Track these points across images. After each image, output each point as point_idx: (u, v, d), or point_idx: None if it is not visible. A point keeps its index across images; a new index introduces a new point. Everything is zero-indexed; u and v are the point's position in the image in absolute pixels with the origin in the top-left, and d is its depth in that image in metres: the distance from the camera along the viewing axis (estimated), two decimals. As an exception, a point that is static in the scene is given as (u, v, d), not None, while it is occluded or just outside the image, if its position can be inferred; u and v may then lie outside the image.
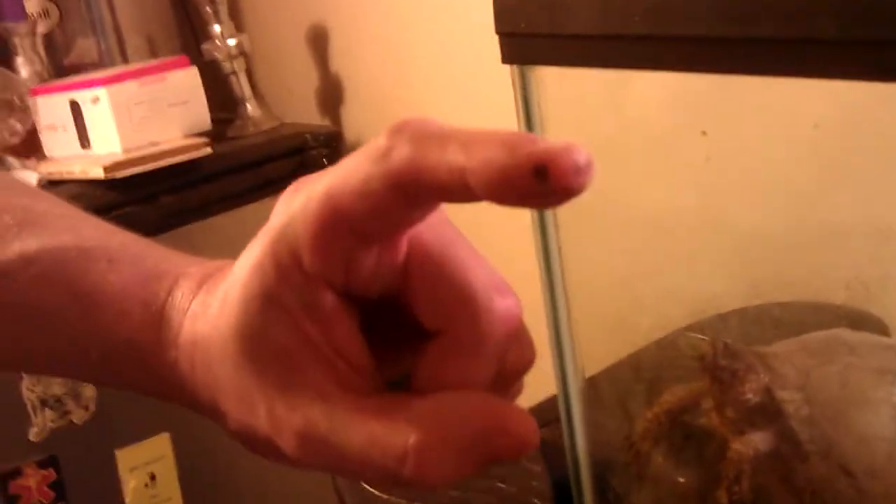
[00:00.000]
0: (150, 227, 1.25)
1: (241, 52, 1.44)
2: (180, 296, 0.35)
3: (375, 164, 0.28)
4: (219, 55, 1.43)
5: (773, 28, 0.49)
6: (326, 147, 1.38)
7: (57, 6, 1.47)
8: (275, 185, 1.34)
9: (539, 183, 0.26)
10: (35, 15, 1.43)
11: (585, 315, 0.69)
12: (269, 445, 0.32)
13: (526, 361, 0.33)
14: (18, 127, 1.34)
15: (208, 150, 1.29)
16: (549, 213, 0.67)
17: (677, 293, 0.74)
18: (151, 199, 1.28)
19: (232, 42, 1.43)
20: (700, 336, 0.72)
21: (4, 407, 1.18)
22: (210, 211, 1.29)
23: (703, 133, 0.63)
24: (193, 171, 1.29)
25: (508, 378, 0.33)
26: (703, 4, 0.52)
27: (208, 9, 1.42)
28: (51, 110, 1.34)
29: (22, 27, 1.38)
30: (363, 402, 0.31)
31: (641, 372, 0.73)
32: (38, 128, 1.37)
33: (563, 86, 0.64)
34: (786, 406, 0.62)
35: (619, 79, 0.63)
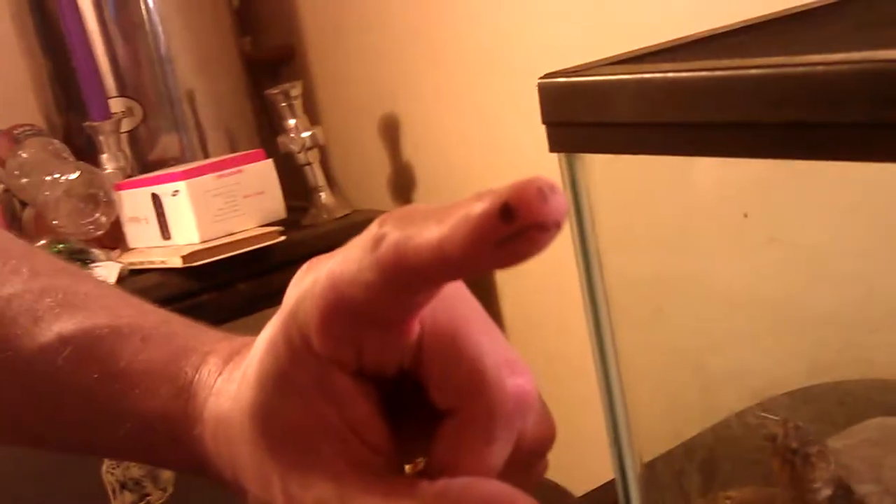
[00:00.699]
0: (227, 314, 1.29)
1: (315, 143, 1.48)
2: (207, 372, 0.36)
3: (367, 252, 0.28)
4: (294, 147, 1.48)
5: (807, 111, 0.50)
6: (397, 233, 1.41)
7: (141, 105, 1.54)
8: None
9: (509, 223, 0.25)
10: (120, 113, 1.49)
11: (642, 397, 0.69)
12: None
13: (546, 440, 0.33)
14: (103, 220, 1.40)
15: (281, 238, 1.33)
16: (601, 296, 0.68)
17: (736, 373, 0.74)
18: (228, 286, 1.32)
19: (306, 135, 1.48)
20: (767, 415, 0.72)
21: (85, 489, 1.21)
22: (280, 299, 1.32)
23: (745, 215, 0.64)
24: (267, 258, 1.33)
25: (530, 457, 0.33)
26: (737, 90, 0.54)
27: (284, 104, 1.47)
28: (134, 203, 1.40)
29: (107, 125, 1.45)
30: (374, 484, 0.30)
31: (700, 453, 0.72)
32: (122, 220, 1.42)
33: (610, 172, 0.66)
34: (869, 500, 0.61)
35: (665, 163, 0.64)
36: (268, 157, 1.42)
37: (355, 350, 0.31)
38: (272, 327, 0.32)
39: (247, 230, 1.34)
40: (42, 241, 1.37)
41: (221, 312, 1.28)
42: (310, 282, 0.30)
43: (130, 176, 1.47)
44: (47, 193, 1.41)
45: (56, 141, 1.50)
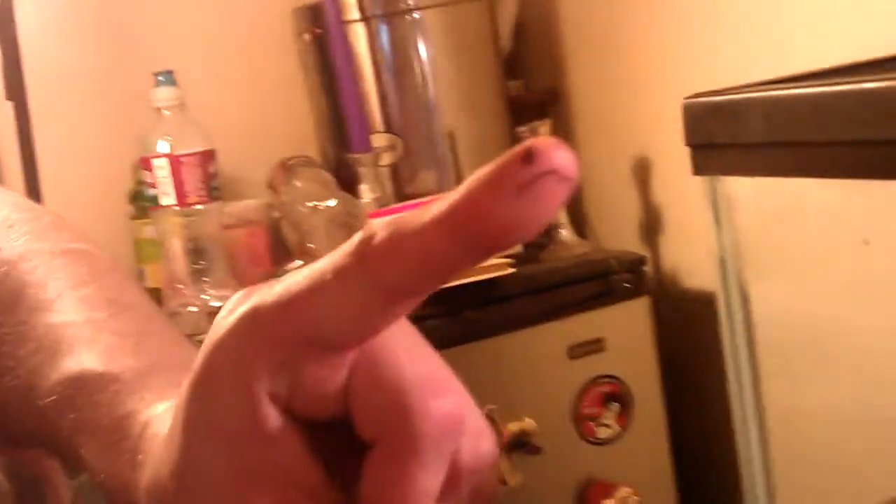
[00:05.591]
0: (452, 341, 1.34)
1: (559, 181, 1.51)
2: (150, 431, 0.34)
3: (348, 257, 0.28)
4: (537, 184, 1.51)
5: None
6: (630, 272, 1.40)
7: (403, 141, 1.64)
8: (571, 309, 1.38)
9: (529, 166, 0.26)
10: (381, 148, 1.60)
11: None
12: None
13: (483, 458, 0.31)
14: (355, 246, 1.49)
15: (511, 270, 1.36)
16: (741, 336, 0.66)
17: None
18: (456, 313, 1.36)
19: (550, 172, 1.51)
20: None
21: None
22: (505, 329, 1.35)
23: (866, 242, 0.59)
24: (497, 289, 1.37)
25: (470, 478, 0.31)
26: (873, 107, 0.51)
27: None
28: (383, 231, 1.49)
29: (367, 158, 1.55)
30: None
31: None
32: (373, 247, 1.51)
33: (752, 194, 0.64)
34: None
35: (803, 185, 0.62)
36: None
37: (290, 380, 0.29)
38: (194, 372, 0.30)
39: (479, 261, 1.38)
40: (299, 263, 1.49)
41: (447, 339, 1.33)
42: (250, 307, 0.29)
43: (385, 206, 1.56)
44: (311, 220, 1.53)
45: (325, 172, 1.62)
